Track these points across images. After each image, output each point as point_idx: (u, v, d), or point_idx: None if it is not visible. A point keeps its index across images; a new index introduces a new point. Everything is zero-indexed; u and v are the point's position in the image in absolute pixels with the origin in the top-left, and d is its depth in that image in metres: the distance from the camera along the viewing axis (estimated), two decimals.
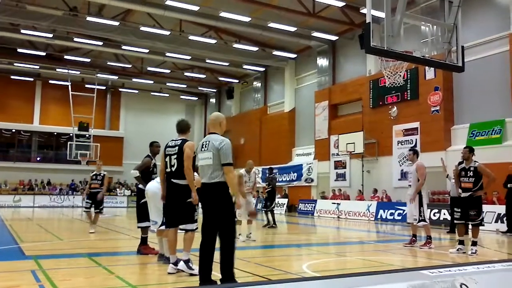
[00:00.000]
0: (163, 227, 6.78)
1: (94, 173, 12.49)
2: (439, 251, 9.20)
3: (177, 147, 6.12)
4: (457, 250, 8.72)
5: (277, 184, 16.43)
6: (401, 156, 19.86)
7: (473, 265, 3.54)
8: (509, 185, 13.26)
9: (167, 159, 6.19)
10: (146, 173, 7.71)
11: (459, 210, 8.78)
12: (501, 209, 14.14)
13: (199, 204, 5.69)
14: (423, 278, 2.94)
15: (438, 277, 3.00)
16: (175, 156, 6.10)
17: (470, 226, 8.96)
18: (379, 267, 7.13)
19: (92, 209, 12.37)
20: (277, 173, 24.69)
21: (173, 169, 6.10)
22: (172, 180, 6.11)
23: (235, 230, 5.24)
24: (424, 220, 9.48)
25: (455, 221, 9.14)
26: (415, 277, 2.95)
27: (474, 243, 8.62)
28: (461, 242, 8.79)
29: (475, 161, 8.75)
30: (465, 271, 3.26)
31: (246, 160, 11.32)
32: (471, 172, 8.63)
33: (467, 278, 3.06)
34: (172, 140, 6.31)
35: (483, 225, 12.06)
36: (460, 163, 8.98)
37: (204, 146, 5.30)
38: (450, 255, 8.52)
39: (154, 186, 7.05)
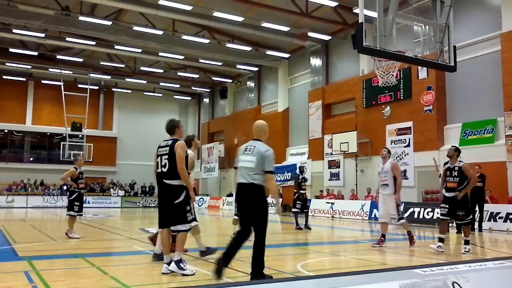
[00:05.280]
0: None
1: (79, 170, 10.91)
2: (433, 250, 9.23)
3: (168, 148, 6.15)
4: (437, 247, 8.65)
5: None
6: (394, 155, 19.94)
7: (465, 263, 3.57)
8: None
9: (159, 159, 6.22)
10: None
11: (447, 206, 8.69)
12: (493, 208, 14.24)
13: (194, 202, 5.73)
14: (415, 276, 2.97)
15: (430, 275, 3.02)
16: (166, 156, 6.12)
17: (455, 224, 8.94)
18: (373, 266, 7.16)
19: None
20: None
21: (164, 169, 6.12)
22: (163, 180, 6.12)
23: (266, 230, 5.54)
24: (402, 218, 9.65)
25: (441, 217, 8.97)
26: (407, 276, 2.97)
27: (467, 242, 8.64)
28: (441, 240, 8.67)
29: (460, 161, 8.75)
30: (457, 269, 3.29)
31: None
32: (456, 172, 8.62)
33: (458, 277, 3.08)
34: (164, 140, 6.34)
35: (473, 224, 12.21)
36: (446, 163, 8.98)
37: (248, 149, 5.62)
38: (444, 254, 8.51)
39: None
